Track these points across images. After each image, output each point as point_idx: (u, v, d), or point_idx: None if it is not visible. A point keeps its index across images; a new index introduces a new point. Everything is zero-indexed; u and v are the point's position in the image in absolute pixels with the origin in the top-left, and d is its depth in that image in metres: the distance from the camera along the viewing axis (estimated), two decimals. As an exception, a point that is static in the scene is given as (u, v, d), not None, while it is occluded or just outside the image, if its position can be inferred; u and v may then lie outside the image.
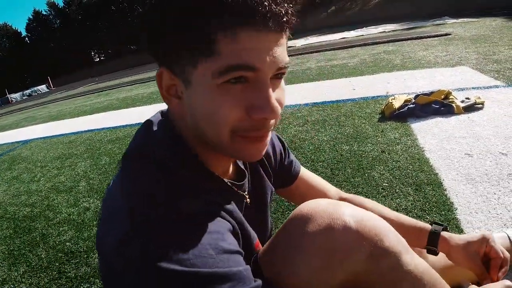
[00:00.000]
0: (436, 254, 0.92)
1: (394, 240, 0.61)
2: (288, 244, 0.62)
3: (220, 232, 0.54)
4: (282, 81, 0.60)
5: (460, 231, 1.33)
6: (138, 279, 0.48)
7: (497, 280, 0.89)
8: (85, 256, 1.71)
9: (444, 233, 0.92)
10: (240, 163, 0.77)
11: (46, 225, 2.16)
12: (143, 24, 0.57)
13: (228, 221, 0.59)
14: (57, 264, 1.70)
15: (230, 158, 0.69)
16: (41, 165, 3.64)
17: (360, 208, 0.64)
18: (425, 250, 0.94)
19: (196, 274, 0.48)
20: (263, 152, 0.62)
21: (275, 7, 0.50)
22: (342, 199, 1.04)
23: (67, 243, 1.87)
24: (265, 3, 0.49)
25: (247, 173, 0.76)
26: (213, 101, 0.53)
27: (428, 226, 0.94)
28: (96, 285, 1.47)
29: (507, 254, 0.89)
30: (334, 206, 0.62)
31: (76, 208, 2.31)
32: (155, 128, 0.64)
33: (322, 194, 1.03)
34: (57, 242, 1.91)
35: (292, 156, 1.00)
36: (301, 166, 1.03)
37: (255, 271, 0.57)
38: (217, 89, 0.53)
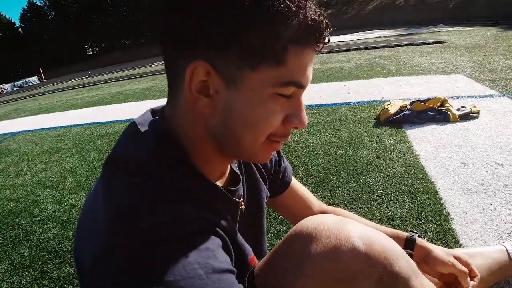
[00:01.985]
0: (412, 257, 0.91)
1: (404, 264, 0.57)
2: (288, 264, 0.57)
3: (210, 249, 0.49)
4: None
5: (456, 242, 1.30)
6: None
7: None
8: (69, 256, 1.65)
9: (420, 239, 0.93)
10: (234, 167, 0.72)
11: (30, 222, 2.09)
12: (197, 10, 0.48)
13: (220, 236, 0.54)
14: (40, 263, 1.64)
15: (229, 161, 0.65)
16: (28, 159, 3.55)
17: (368, 227, 0.59)
18: None
19: None
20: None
21: (327, 31, 0.52)
22: (323, 211, 1.01)
23: (51, 242, 1.81)
24: (325, 26, 0.51)
25: (241, 178, 0.72)
26: (263, 109, 0.52)
27: (404, 233, 0.96)
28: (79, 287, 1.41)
29: (465, 270, 0.89)
30: (341, 224, 0.58)
31: (62, 205, 2.24)
32: (143, 129, 0.58)
33: (306, 207, 1.01)
34: (40, 240, 1.84)
35: (287, 163, 0.96)
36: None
37: None
38: (269, 98, 0.52)
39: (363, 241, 0.55)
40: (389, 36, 11.14)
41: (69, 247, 1.72)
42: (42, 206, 2.28)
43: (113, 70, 17.61)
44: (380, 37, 11.21)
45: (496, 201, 1.53)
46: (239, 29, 0.47)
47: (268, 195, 0.86)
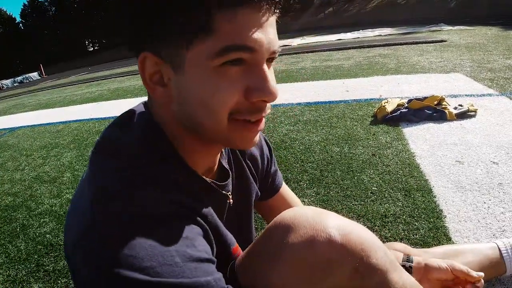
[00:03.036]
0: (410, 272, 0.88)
1: (382, 257, 0.58)
2: (266, 253, 0.58)
3: (189, 238, 0.50)
4: (272, 65, 0.56)
5: (449, 239, 1.31)
6: (96, 283, 0.44)
7: None
8: (65, 249, 1.66)
9: (416, 258, 0.91)
10: (224, 163, 0.72)
11: (27, 216, 2.10)
12: (125, 5, 0.52)
13: (200, 225, 0.55)
14: (36, 256, 1.65)
15: (216, 154, 0.65)
16: (26, 154, 3.56)
17: (347, 219, 0.60)
18: None
19: (158, 284, 0.43)
20: (256, 141, 0.59)
21: None
22: None
23: (47, 235, 1.82)
24: None
25: (231, 173, 0.73)
26: (210, 85, 0.50)
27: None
28: (74, 280, 1.42)
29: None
30: (319, 216, 0.58)
31: (59, 200, 2.26)
32: (132, 117, 0.60)
33: None
34: (37, 234, 1.86)
35: (277, 166, 0.96)
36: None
37: (232, 278, 0.53)
38: (213, 72, 0.50)
39: (339, 232, 0.56)
40: (389, 34, 11.13)
41: (64, 241, 1.74)
42: (39, 201, 2.29)
43: (113, 66, 17.58)
44: (380, 35, 11.19)
45: (490, 200, 1.54)
46: (162, 13, 0.48)
47: (259, 194, 0.86)
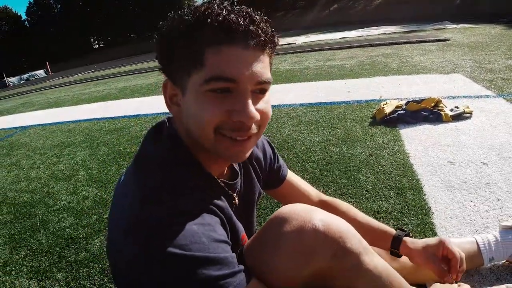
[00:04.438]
0: (399, 256, 1.04)
1: (356, 242, 0.72)
2: (266, 241, 0.73)
3: (211, 224, 0.65)
4: (267, 95, 0.70)
5: (434, 234, 1.43)
6: (144, 257, 0.60)
7: (457, 278, 1.00)
8: (85, 242, 1.81)
9: (406, 238, 1.04)
10: (235, 165, 0.88)
11: (46, 212, 2.25)
12: (157, 42, 0.69)
13: (218, 216, 0.70)
14: (57, 249, 1.79)
15: (224, 160, 0.79)
16: (40, 153, 3.72)
17: (330, 214, 0.74)
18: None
19: (191, 256, 0.59)
20: (247, 155, 0.72)
21: (252, 27, 0.62)
22: (321, 201, 1.16)
23: (67, 229, 1.97)
24: (242, 23, 0.61)
25: (239, 174, 0.87)
26: (199, 104, 0.65)
27: (392, 230, 1.06)
28: (95, 269, 1.57)
29: (463, 254, 1.00)
30: (307, 211, 0.73)
31: (76, 196, 2.41)
32: (160, 132, 0.76)
33: (304, 196, 1.15)
34: (57, 228, 2.01)
35: (281, 161, 1.11)
36: (288, 170, 1.14)
37: (240, 260, 0.68)
38: (203, 96, 0.64)
39: (322, 223, 0.70)
40: (393, 32, 11.17)
41: (84, 235, 1.88)
42: (57, 197, 2.45)
43: (119, 64, 17.77)
44: (385, 33, 11.24)
45: (476, 198, 1.66)
46: (175, 52, 0.66)
47: (261, 192, 1.01)
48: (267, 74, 0.66)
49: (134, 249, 0.61)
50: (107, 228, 0.74)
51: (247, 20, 0.62)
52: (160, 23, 0.69)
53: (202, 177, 0.73)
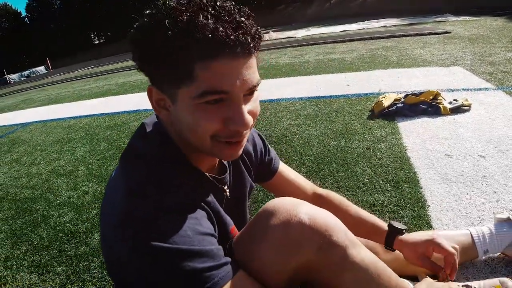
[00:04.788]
0: (393, 250, 1.05)
1: (342, 236, 0.72)
2: (254, 234, 0.74)
3: (197, 218, 0.67)
4: (255, 93, 0.70)
5: (430, 227, 1.44)
6: (132, 252, 0.61)
7: (451, 277, 1.00)
8: (85, 236, 1.83)
9: (402, 236, 1.04)
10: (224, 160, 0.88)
11: (47, 207, 2.27)
12: (134, 46, 0.66)
13: (205, 209, 0.71)
14: (57, 243, 1.82)
15: (214, 157, 0.80)
16: (40, 149, 3.74)
17: (317, 207, 0.75)
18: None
19: (177, 249, 0.61)
20: (240, 152, 0.74)
21: (242, 36, 0.61)
22: (315, 193, 1.16)
23: (67, 224, 1.99)
24: (232, 36, 0.59)
25: (228, 169, 0.88)
26: (194, 117, 0.65)
27: (384, 224, 1.07)
28: (95, 263, 1.59)
29: (457, 247, 1.01)
30: (293, 204, 0.74)
31: (76, 192, 2.43)
32: (149, 129, 0.76)
33: (297, 189, 1.15)
34: (57, 223, 2.03)
35: (273, 154, 1.11)
36: (281, 163, 1.15)
37: (230, 252, 0.69)
38: (197, 108, 0.64)
39: (308, 216, 0.71)
40: (394, 25, 11.10)
41: (84, 229, 1.90)
42: (57, 193, 2.47)
43: (119, 59, 17.72)
44: (385, 26, 11.17)
45: (472, 191, 1.66)
46: (160, 65, 0.63)
47: (253, 185, 1.02)
48: (256, 78, 0.67)
49: (123, 245, 0.62)
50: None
51: (234, 27, 0.60)
52: (135, 24, 0.65)
53: (191, 174, 0.74)
